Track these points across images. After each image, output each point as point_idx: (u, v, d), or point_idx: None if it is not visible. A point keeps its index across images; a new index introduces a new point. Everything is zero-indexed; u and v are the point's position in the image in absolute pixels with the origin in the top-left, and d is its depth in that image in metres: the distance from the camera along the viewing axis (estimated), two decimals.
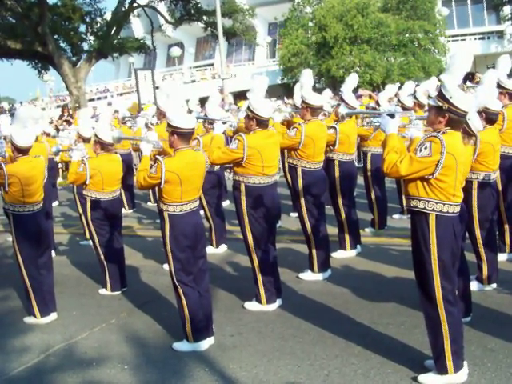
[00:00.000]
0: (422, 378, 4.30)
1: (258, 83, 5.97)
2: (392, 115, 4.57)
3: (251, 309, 6.02)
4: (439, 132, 4.04)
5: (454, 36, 37.13)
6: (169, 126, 5.00)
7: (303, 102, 6.73)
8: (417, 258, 4.28)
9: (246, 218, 5.89)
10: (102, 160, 6.75)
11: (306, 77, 6.98)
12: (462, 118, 4.08)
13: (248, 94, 5.96)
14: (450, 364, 4.19)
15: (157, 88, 21.86)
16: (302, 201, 6.71)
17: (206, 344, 5.22)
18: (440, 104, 4.02)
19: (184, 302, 5.14)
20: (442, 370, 4.22)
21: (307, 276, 6.82)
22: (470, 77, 13.34)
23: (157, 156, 5.10)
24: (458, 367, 4.21)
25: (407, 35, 32.65)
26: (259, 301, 6.01)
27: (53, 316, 6.28)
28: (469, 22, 40.67)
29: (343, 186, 7.44)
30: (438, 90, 4.17)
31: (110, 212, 6.82)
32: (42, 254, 6.29)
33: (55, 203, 12.44)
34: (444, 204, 4.08)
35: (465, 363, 4.28)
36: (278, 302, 6.06)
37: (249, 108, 5.82)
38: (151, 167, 5.03)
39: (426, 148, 3.98)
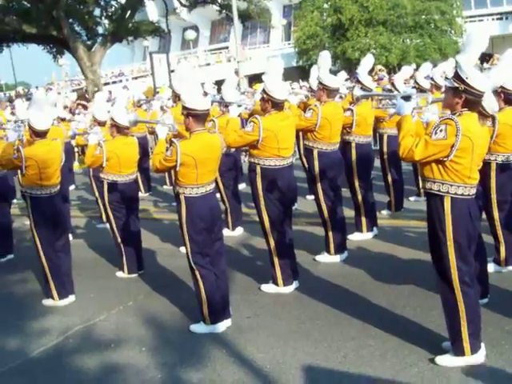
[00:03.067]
0: (439, 359, 4.30)
1: (273, 65, 5.94)
2: (408, 97, 4.53)
3: (268, 291, 6.03)
4: (455, 114, 4.00)
5: (471, 17, 36.54)
6: (184, 108, 4.99)
7: (320, 83, 6.70)
8: (433, 240, 4.26)
9: (262, 200, 5.89)
10: (118, 143, 6.77)
11: (324, 58, 6.94)
12: (478, 99, 4.04)
13: (263, 77, 5.93)
14: (467, 346, 4.18)
15: (172, 71, 21.84)
16: (319, 183, 6.69)
17: (222, 326, 5.24)
18: (456, 85, 3.98)
19: (201, 285, 5.16)
20: (459, 351, 4.21)
21: (324, 258, 6.82)
22: (487, 58, 13.18)
23: (172, 139, 5.10)
24: (475, 349, 4.20)
25: (423, 16, 32.23)
26: (276, 283, 6.02)
27: (71, 298, 6.34)
28: (486, 2, 39.96)
29: (360, 169, 7.41)
30: (454, 71, 4.12)
31: (127, 195, 6.85)
32: (59, 237, 6.33)
33: (72, 187, 12.50)
34: (459, 186, 4.05)
35: (482, 345, 4.26)
36: (295, 283, 6.06)
37: (264, 90, 5.80)
38: (167, 150, 5.03)
39: (441, 131, 3.95)
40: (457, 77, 3.98)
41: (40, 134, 6.11)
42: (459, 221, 4.09)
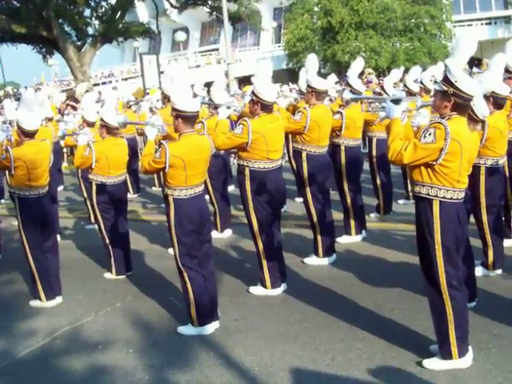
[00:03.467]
0: (426, 362, 4.31)
1: (262, 68, 5.94)
2: (397, 100, 4.53)
3: (256, 293, 6.03)
4: (444, 117, 4.02)
5: (460, 21, 36.77)
6: (173, 109, 4.98)
7: (308, 86, 6.72)
8: (421, 243, 4.27)
9: (251, 202, 5.88)
10: (107, 144, 6.75)
11: (312, 61, 6.94)
12: (467, 103, 4.06)
13: (252, 79, 5.94)
14: (454, 349, 4.19)
15: (162, 73, 21.81)
16: (307, 186, 6.70)
17: (210, 328, 5.23)
18: (445, 88, 4.00)
19: (189, 287, 5.14)
20: (446, 355, 4.22)
21: (312, 261, 6.82)
22: (476, 63, 13.25)
23: (161, 141, 5.09)
24: (462, 352, 4.21)
25: (413, 20, 32.44)
26: (264, 285, 6.01)
27: (58, 300, 6.31)
28: (475, 6, 40.23)
29: (349, 172, 7.42)
30: (443, 75, 4.14)
31: (116, 196, 6.82)
32: (47, 238, 6.30)
33: (60, 188, 12.47)
34: (448, 190, 4.06)
35: (470, 348, 4.28)
36: (283, 286, 6.06)
37: (253, 92, 5.80)
38: (156, 152, 5.02)
39: (430, 134, 3.97)
40: (446, 80, 4.00)
41: (29, 135, 6.08)
42: (448, 225, 4.10)
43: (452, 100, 3.99)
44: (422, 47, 31.93)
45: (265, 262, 5.96)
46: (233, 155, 11.66)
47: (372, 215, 8.55)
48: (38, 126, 6.23)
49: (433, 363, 4.29)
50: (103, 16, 27.35)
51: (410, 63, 27.29)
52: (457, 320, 4.17)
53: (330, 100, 8.56)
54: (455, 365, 4.22)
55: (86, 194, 9.07)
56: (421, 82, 9.05)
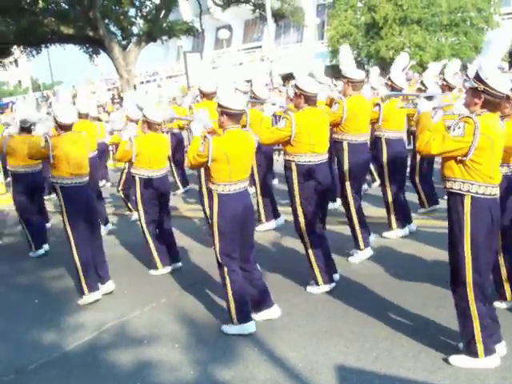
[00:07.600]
0: (452, 359, 4.29)
1: (304, 61, 5.96)
2: (431, 97, 4.53)
3: (313, 292, 5.97)
4: (474, 114, 3.98)
5: (509, 14, 35.89)
6: (219, 106, 5.02)
7: (343, 77, 6.71)
8: (451, 239, 4.21)
9: (298, 197, 5.88)
10: (148, 139, 6.86)
11: (345, 52, 6.89)
12: (498, 100, 4.00)
13: (295, 73, 5.95)
14: (480, 347, 4.14)
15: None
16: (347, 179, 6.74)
17: (252, 326, 5.17)
18: (475, 85, 3.96)
19: (227, 282, 5.14)
20: (472, 353, 4.19)
21: (356, 257, 6.79)
22: None
23: (206, 135, 5.12)
24: (489, 351, 4.16)
25: (459, 14, 31.83)
26: (316, 283, 5.97)
27: (101, 291, 6.41)
28: None
29: (391, 165, 7.34)
30: (475, 72, 4.10)
31: (159, 190, 6.92)
32: (91, 232, 6.40)
33: (107, 183, 12.79)
34: (480, 185, 4.02)
35: (499, 347, 4.23)
36: (335, 277, 6.06)
37: (296, 86, 5.82)
38: (200, 146, 5.06)
39: (459, 128, 3.96)
40: (477, 77, 3.97)
41: (65, 127, 6.33)
42: (478, 221, 4.04)
43: (482, 97, 3.95)
44: (468, 41, 31.31)
45: (313, 259, 5.92)
46: (277, 152, 11.65)
47: (420, 211, 8.46)
48: (74, 120, 6.44)
49: (459, 360, 4.25)
50: (148, 15, 27.65)
51: (456, 58, 26.83)
52: (482, 320, 4.12)
53: (373, 88, 8.43)
54: (480, 363, 4.16)
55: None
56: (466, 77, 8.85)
